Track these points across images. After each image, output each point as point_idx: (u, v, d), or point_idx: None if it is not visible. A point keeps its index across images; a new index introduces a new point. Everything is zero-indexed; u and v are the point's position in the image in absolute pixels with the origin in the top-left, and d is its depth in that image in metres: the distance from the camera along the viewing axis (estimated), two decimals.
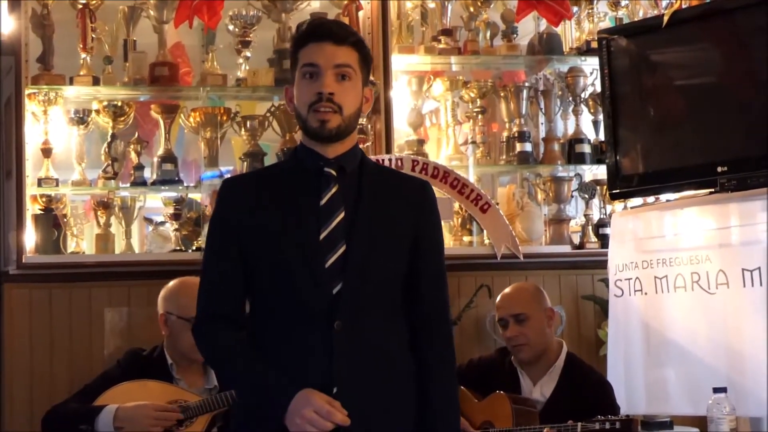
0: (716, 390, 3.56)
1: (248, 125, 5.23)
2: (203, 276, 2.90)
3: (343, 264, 2.76)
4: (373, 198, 2.85)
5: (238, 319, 2.87)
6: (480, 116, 5.58)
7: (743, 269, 4.10)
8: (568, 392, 4.20)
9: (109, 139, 5.16)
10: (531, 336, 4.24)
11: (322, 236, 2.77)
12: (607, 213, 5.56)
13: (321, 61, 2.77)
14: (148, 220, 5.31)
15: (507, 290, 4.43)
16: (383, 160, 5.09)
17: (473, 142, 5.55)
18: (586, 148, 5.59)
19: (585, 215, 5.59)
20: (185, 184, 5.19)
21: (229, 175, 5.15)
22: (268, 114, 5.30)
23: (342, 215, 2.79)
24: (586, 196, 5.57)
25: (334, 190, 2.81)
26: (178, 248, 5.08)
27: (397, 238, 2.86)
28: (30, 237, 4.91)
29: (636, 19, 5.55)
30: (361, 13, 5.37)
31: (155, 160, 5.25)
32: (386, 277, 2.84)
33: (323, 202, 2.80)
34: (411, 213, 2.90)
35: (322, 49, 2.79)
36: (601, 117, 5.38)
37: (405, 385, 2.85)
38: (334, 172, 2.83)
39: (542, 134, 5.67)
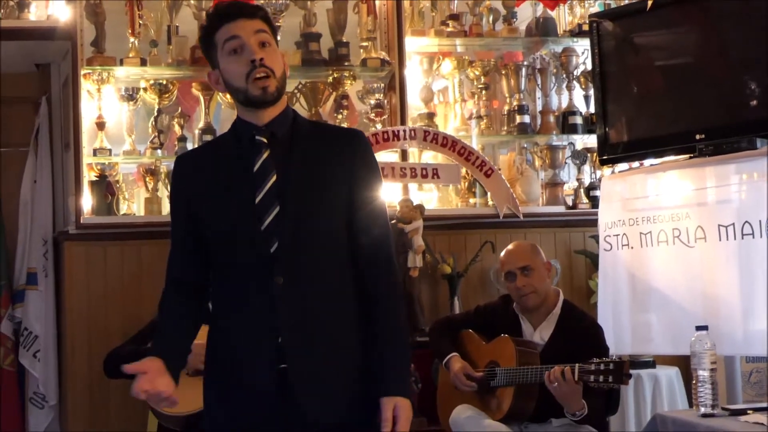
0: (699, 328, 3.53)
1: None
2: (171, 245, 2.85)
3: (278, 224, 2.68)
4: (305, 157, 2.74)
5: (201, 284, 2.81)
6: (483, 92, 5.62)
7: (719, 225, 4.10)
8: (565, 335, 4.19)
9: (155, 114, 5.24)
10: (537, 285, 4.23)
11: (257, 200, 2.69)
12: (597, 177, 5.61)
13: (242, 33, 2.69)
14: None
15: (509, 248, 4.38)
16: (399, 131, 5.17)
17: (478, 116, 5.58)
18: (578, 120, 5.64)
19: (577, 179, 5.66)
20: None
21: None
22: (296, 90, 5.34)
23: (274, 178, 2.70)
24: (578, 162, 5.63)
25: (265, 155, 2.72)
26: None
27: (333, 192, 2.73)
28: (87, 201, 5.00)
29: (622, 4, 5.50)
30: (377, 0, 5.41)
31: (196, 132, 5.31)
32: (323, 232, 2.72)
33: (256, 168, 2.71)
34: (345, 162, 2.75)
35: (239, 23, 2.70)
36: (591, 92, 5.44)
37: (348, 332, 2.74)
38: (265, 140, 2.73)
39: (539, 107, 5.73)
